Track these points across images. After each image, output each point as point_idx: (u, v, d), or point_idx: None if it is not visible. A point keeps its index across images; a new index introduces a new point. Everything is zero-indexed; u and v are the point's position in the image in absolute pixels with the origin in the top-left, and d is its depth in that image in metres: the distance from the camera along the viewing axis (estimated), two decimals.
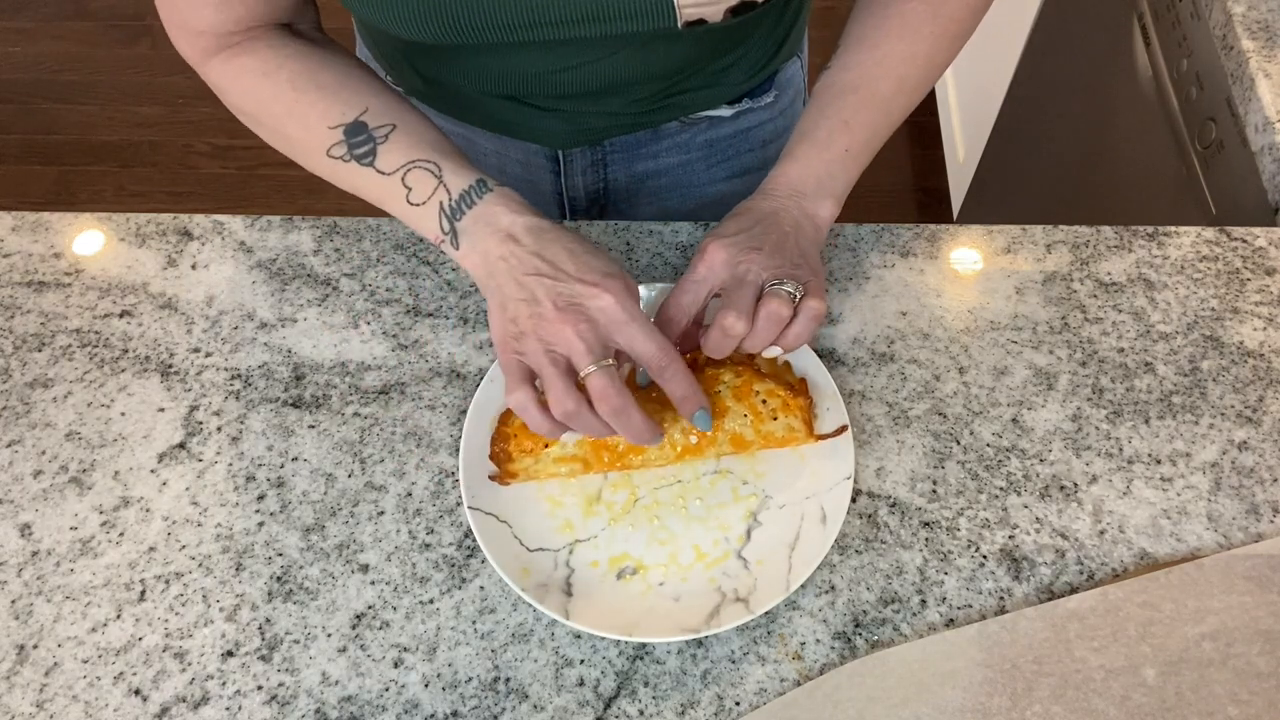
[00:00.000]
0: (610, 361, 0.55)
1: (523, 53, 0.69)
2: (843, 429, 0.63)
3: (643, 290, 0.69)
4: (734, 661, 0.58)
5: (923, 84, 0.67)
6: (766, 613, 0.59)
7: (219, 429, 0.67)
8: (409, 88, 0.84)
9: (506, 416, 0.62)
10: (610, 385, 0.54)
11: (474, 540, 0.62)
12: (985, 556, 0.61)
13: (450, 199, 0.60)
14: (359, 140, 0.61)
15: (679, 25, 0.62)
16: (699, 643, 0.58)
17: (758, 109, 0.86)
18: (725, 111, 0.84)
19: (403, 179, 0.61)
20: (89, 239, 0.76)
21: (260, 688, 0.57)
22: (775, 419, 0.62)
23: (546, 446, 0.61)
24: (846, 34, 0.68)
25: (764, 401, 0.62)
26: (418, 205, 0.60)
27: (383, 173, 0.61)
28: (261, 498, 0.64)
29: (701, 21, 0.62)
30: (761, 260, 0.60)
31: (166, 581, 0.61)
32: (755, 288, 0.59)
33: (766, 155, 0.91)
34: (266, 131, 0.65)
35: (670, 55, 0.72)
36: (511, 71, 0.72)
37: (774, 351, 0.61)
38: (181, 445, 0.66)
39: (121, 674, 0.58)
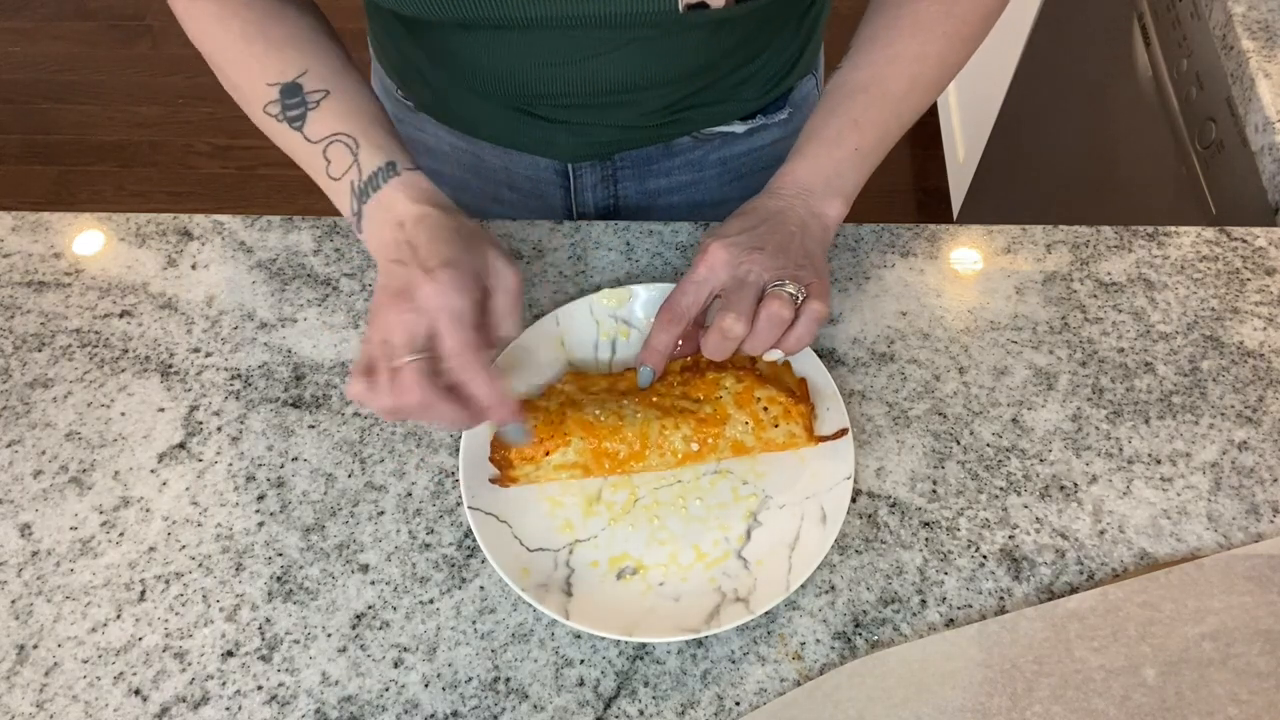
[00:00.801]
0: (425, 355, 0.53)
1: (524, 41, 0.68)
2: (842, 432, 0.63)
3: (642, 290, 0.69)
4: (734, 661, 0.58)
5: (935, 85, 0.67)
6: (766, 613, 0.59)
7: (219, 429, 0.67)
8: (419, 102, 0.83)
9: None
10: (414, 382, 0.52)
11: (474, 540, 0.62)
12: (985, 556, 0.61)
13: (360, 179, 0.59)
14: (293, 102, 0.61)
15: (679, 7, 0.61)
16: (699, 643, 0.58)
17: (772, 126, 0.85)
18: (738, 128, 0.83)
19: (324, 150, 0.60)
20: (89, 239, 0.76)
21: (260, 688, 0.57)
22: (776, 426, 0.62)
23: (547, 454, 0.61)
24: (859, 34, 0.68)
25: (765, 409, 0.62)
26: (335, 180, 0.60)
27: (309, 140, 0.61)
28: (261, 498, 0.64)
29: (704, 5, 0.61)
30: (763, 261, 0.59)
31: (166, 581, 0.61)
32: (756, 289, 0.59)
33: None
34: (218, 74, 0.65)
35: (678, 55, 0.71)
36: (515, 65, 0.71)
37: (775, 355, 0.61)
38: (181, 445, 0.66)
39: (121, 674, 0.58)
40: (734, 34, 0.72)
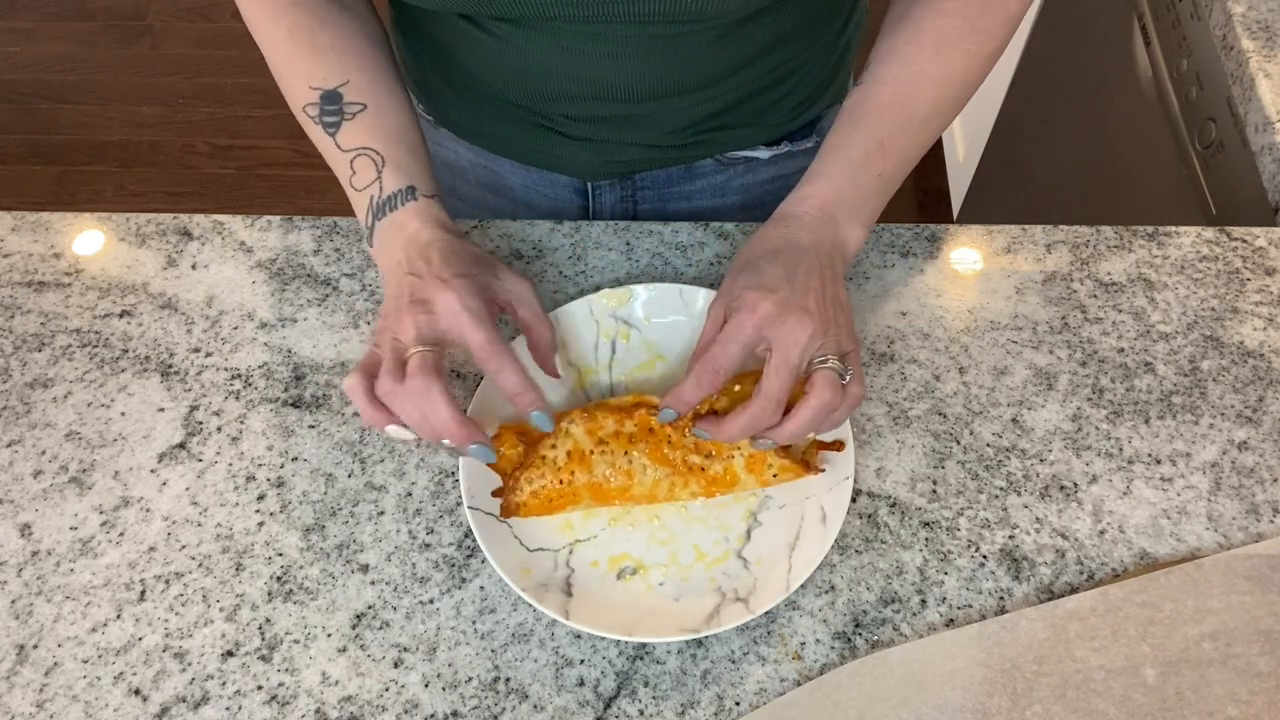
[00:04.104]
0: (432, 348, 0.56)
1: (541, 40, 0.67)
2: (839, 445, 0.62)
3: (642, 290, 0.69)
4: (734, 661, 0.58)
5: (955, 107, 0.65)
6: (766, 613, 0.59)
7: (219, 429, 0.67)
8: (441, 117, 0.83)
9: (513, 483, 0.60)
10: (418, 366, 0.55)
11: (474, 540, 0.62)
12: (985, 556, 0.61)
13: (380, 196, 0.62)
14: (331, 109, 0.64)
15: None
16: (699, 643, 0.58)
17: (797, 154, 0.83)
18: (763, 153, 0.82)
19: (352, 161, 0.63)
20: (89, 239, 0.76)
21: (260, 688, 0.57)
22: (781, 484, 0.62)
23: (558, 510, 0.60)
24: (878, 48, 0.66)
25: (775, 475, 0.60)
26: (358, 191, 0.63)
27: (340, 148, 0.64)
28: (261, 498, 0.64)
29: None
30: (809, 327, 0.56)
31: (166, 581, 0.61)
32: (795, 370, 0.56)
33: None
34: (267, 61, 0.67)
35: (700, 59, 0.69)
36: (534, 66, 0.69)
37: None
38: (181, 445, 0.66)
39: (121, 674, 0.58)
40: (756, 39, 0.70)
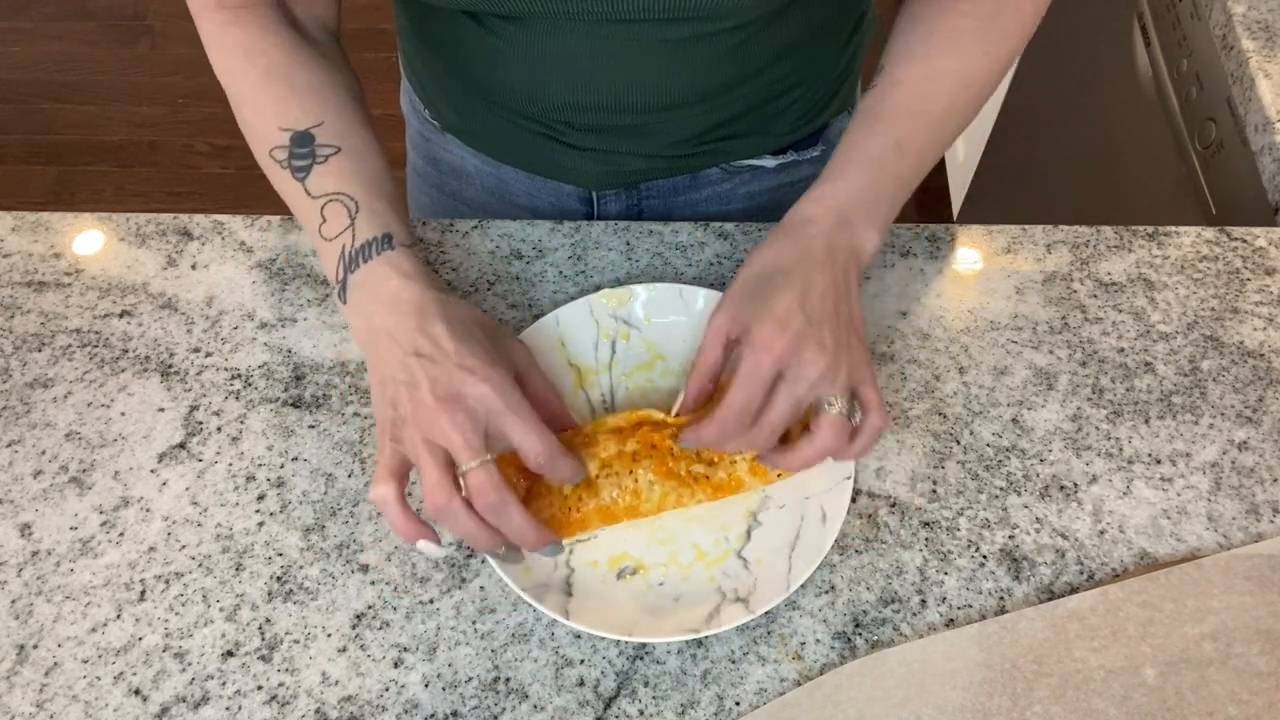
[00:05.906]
0: (490, 458, 0.52)
1: (543, 41, 0.66)
2: None
3: (642, 290, 0.69)
4: (734, 661, 0.58)
5: (971, 109, 0.63)
6: (766, 613, 0.59)
7: (219, 429, 0.67)
8: (446, 123, 0.83)
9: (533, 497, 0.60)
10: (487, 481, 0.51)
11: None
12: (985, 556, 0.61)
13: (352, 245, 0.57)
14: (302, 152, 0.60)
15: None
16: (699, 643, 0.58)
17: (803, 162, 0.83)
18: (769, 162, 0.81)
19: (323, 208, 0.58)
20: (89, 239, 0.76)
21: (260, 688, 0.57)
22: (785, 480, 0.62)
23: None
24: (891, 51, 0.64)
25: (779, 474, 0.60)
26: (327, 240, 0.58)
27: (310, 194, 0.59)
28: (261, 498, 0.64)
29: None
30: (821, 366, 0.53)
31: (166, 581, 0.61)
32: (800, 404, 0.54)
33: None
34: (233, 107, 0.64)
35: (706, 66, 0.68)
36: (535, 70, 0.69)
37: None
38: (181, 445, 0.66)
39: (121, 674, 0.58)
40: (765, 49, 0.69)
